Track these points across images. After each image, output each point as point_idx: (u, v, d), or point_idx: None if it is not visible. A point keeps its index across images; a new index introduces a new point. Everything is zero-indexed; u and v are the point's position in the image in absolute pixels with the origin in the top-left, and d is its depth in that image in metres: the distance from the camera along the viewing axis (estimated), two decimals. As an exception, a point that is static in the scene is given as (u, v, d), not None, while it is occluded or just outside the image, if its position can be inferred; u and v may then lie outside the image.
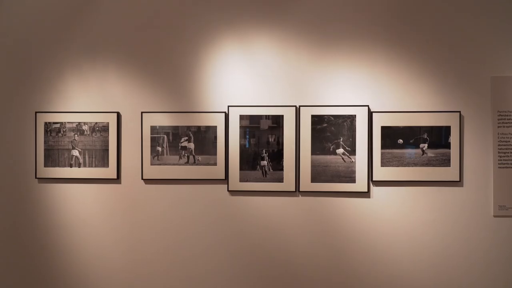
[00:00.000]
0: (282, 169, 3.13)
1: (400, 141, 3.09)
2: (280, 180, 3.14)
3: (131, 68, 3.24)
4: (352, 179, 3.09)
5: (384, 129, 3.08)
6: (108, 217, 3.25)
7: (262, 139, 3.15)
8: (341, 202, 3.13)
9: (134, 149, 3.24)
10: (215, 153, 3.17)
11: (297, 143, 3.13)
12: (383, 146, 3.09)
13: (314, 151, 3.11)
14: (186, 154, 3.20)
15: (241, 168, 3.16)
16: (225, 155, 3.17)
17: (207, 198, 3.21)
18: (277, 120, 3.14)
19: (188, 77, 3.21)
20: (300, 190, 3.13)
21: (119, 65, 3.24)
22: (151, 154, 3.21)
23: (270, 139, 3.15)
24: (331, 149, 3.11)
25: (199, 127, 3.19)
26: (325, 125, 3.11)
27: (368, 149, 3.09)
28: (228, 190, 3.18)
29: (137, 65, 3.24)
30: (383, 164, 3.08)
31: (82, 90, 3.27)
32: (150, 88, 3.23)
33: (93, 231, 3.25)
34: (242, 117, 3.16)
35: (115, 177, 3.22)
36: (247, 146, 3.16)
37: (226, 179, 3.17)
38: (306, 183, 3.12)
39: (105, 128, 3.23)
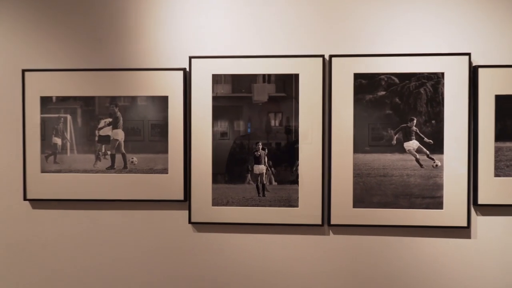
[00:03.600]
0: (295, 182, 1.58)
1: (535, 125, 1.54)
2: (293, 202, 1.59)
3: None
4: (436, 202, 1.54)
5: (503, 102, 1.53)
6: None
7: (256, 121, 1.60)
8: (413, 246, 1.59)
9: (9, 140, 1.69)
10: (165, 150, 1.62)
11: (326, 131, 1.58)
12: (501, 136, 1.54)
13: (359, 146, 1.56)
14: (108, 152, 1.64)
15: (215, 180, 1.61)
16: (184, 154, 1.62)
17: (151, 235, 1.67)
18: (286, 85, 1.59)
19: (110, 7, 1.66)
20: (332, 222, 1.58)
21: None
22: (42, 151, 1.67)
23: (272, 122, 1.61)
24: (394, 142, 1.56)
25: (133, 99, 1.64)
26: (382, 93, 1.56)
27: (469, 142, 1.54)
28: (190, 222, 1.62)
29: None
30: (500, 171, 1.54)
31: None
32: (40, 29, 1.68)
33: None
34: (217, 79, 1.61)
35: (-25, 195, 1.67)
36: (227, 136, 1.61)
37: (186, 201, 1.62)
38: (343, 209, 1.57)
39: (-46, 102, 1.68)
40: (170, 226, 1.66)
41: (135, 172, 1.64)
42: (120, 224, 1.67)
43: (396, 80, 1.56)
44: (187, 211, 1.65)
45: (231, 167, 1.62)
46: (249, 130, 1.60)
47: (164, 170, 1.63)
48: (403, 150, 1.57)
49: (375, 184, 1.57)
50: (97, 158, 1.66)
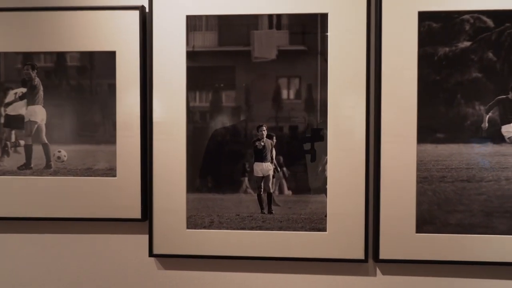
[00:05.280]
0: (322, 190, 0.97)
1: None
2: (318, 224, 0.97)
3: None
4: (556, 224, 0.94)
5: None
6: None
7: (258, 93, 0.98)
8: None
9: None
10: (111, 140, 1.01)
11: (372, 106, 0.96)
12: None
13: (427, 132, 0.95)
14: (22, 141, 1.03)
15: (192, 186, 1.00)
16: (142, 146, 1.00)
17: (90, 274, 1.06)
18: (307, 33, 0.97)
19: None
20: (382, 256, 0.96)
21: None
22: None
23: (284, 94, 0.99)
24: (486, 125, 0.94)
25: (60, 57, 1.02)
26: (467, 44, 0.95)
27: None
28: (151, 255, 1.00)
29: None
30: None
31: None
32: None
33: None
34: (194, 24, 0.99)
35: None
36: (211, 117, 1.00)
37: (146, 220, 1.00)
38: (400, 234, 0.96)
39: None
40: (120, 260, 1.05)
41: (63, 174, 1.03)
42: (39, 256, 1.06)
43: (490, 22, 0.95)
44: (147, 237, 1.03)
45: (217, 166, 1.01)
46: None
47: (110, 171, 1.02)
48: (500, 139, 0.96)
49: (453, 194, 0.96)
50: (4, 152, 1.05)
